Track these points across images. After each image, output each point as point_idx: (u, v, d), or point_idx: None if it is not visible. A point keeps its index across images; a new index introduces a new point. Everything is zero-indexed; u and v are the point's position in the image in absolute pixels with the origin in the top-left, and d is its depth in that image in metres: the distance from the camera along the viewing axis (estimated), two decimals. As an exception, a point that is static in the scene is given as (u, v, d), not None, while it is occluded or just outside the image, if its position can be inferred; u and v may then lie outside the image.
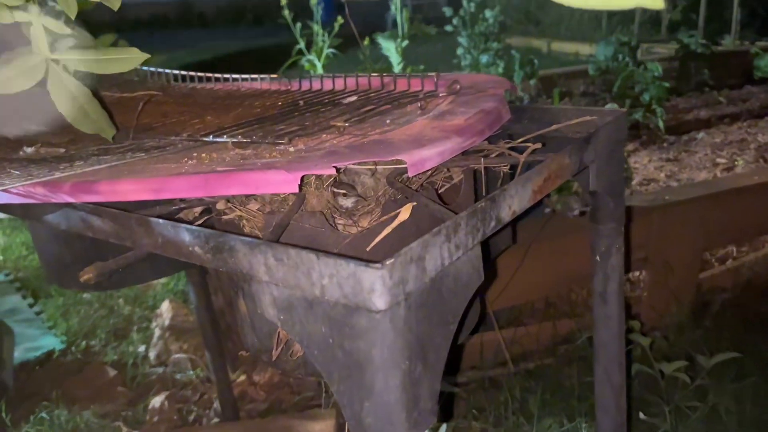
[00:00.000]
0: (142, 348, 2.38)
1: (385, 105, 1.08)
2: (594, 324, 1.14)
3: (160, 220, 0.72)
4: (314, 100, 1.19)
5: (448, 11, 4.35)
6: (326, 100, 1.17)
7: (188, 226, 0.70)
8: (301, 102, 1.19)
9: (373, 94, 1.18)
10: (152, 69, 1.58)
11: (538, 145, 0.87)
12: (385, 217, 0.82)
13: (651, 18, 7.34)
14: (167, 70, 1.54)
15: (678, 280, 2.15)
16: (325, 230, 0.80)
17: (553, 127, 1.02)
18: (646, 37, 6.62)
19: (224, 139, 0.96)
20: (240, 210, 0.83)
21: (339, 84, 1.28)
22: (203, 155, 0.91)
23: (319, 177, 0.87)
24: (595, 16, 7.36)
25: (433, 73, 1.15)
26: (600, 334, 1.12)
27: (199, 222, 0.92)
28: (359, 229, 0.85)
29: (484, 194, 0.95)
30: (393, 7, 3.52)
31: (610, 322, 1.09)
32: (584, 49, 6.82)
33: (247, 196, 0.87)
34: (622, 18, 7.24)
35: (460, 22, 4.25)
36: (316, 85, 1.30)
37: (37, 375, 2.29)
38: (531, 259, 1.90)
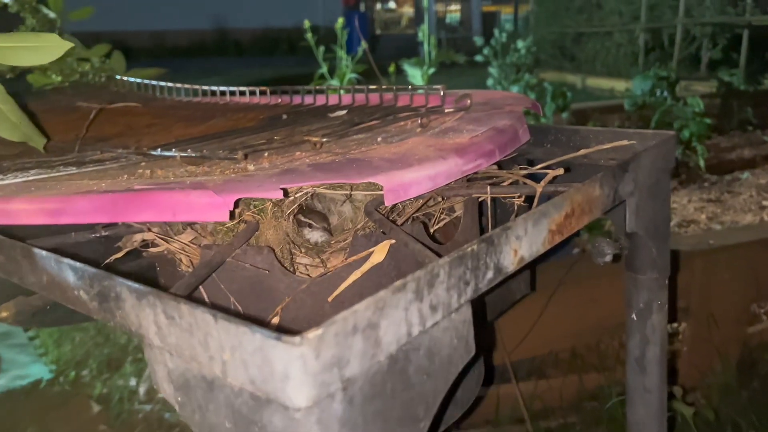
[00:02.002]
0: (133, 381, 2.19)
1: (377, 120, 0.88)
2: (627, 395, 0.90)
3: (44, 253, 0.53)
4: (300, 114, 1.00)
5: (479, 40, 4.17)
6: (313, 114, 0.98)
7: (73, 263, 0.50)
8: (285, 116, 1.00)
9: (368, 109, 0.98)
10: (140, 81, 1.42)
11: (560, 171, 0.66)
12: (354, 257, 0.61)
13: (690, 56, 7.07)
14: (157, 83, 1.38)
15: (723, 334, 1.88)
16: (274, 272, 0.60)
17: (582, 151, 0.80)
18: (685, 74, 6.35)
19: (172, 153, 0.77)
20: (167, 241, 0.64)
21: (344, 99, 1.09)
22: (146, 171, 0.72)
23: (278, 203, 0.67)
24: (632, 52, 7.12)
25: (439, 86, 0.95)
26: (636, 410, 0.88)
27: (138, 254, 0.72)
28: (325, 271, 0.64)
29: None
30: (420, 34, 3.35)
31: (649, 396, 0.86)
32: (620, 85, 6.56)
33: (185, 224, 0.68)
34: (660, 55, 6.99)
35: (491, 52, 4.07)
36: (321, 100, 1.11)
37: (20, 406, 2.12)
38: (556, 305, 1.67)
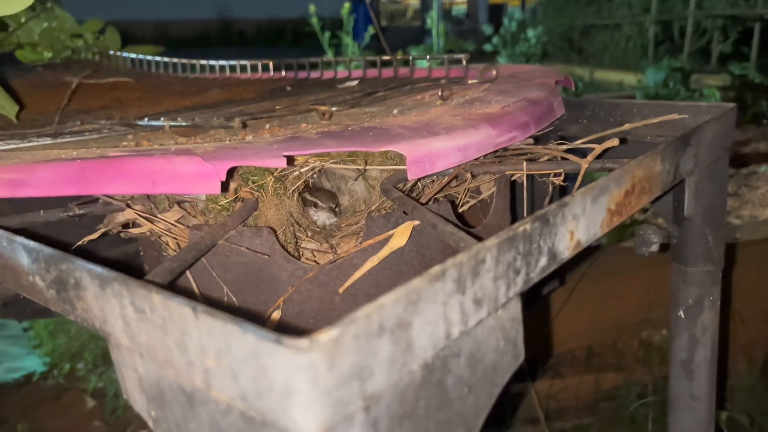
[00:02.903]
0: (129, 375, 2.10)
1: (393, 90, 0.78)
2: (670, 401, 0.80)
3: (-3, 231, 0.43)
4: (306, 86, 0.90)
5: (487, 29, 4.06)
6: (320, 86, 0.88)
7: (26, 242, 0.40)
8: (289, 88, 0.90)
9: (382, 81, 0.88)
10: (135, 56, 1.32)
11: (614, 142, 0.56)
12: (370, 241, 0.51)
13: (700, 49, 6.93)
14: (152, 58, 1.28)
15: (748, 333, 1.78)
16: (275, 258, 0.50)
17: (626, 126, 0.70)
18: (695, 67, 6.22)
19: (160, 122, 0.67)
20: (149, 221, 0.54)
21: (355, 74, 0.98)
22: (130, 143, 0.62)
23: (281, 179, 0.57)
24: (642, 45, 6.98)
25: (461, 54, 0.85)
26: (680, 418, 0.78)
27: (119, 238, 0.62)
28: (335, 257, 0.54)
29: (526, 216, 0.63)
30: (429, 20, 3.24)
31: (696, 404, 0.76)
32: (629, 78, 6.43)
33: (172, 201, 0.58)
34: (671, 48, 6.85)
35: (501, 42, 3.95)
36: (329, 76, 1.01)
37: (12, 400, 2.03)
38: (575, 301, 1.57)
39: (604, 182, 0.45)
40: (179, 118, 0.65)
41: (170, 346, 0.31)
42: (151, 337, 0.33)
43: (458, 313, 0.33)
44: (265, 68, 1.09)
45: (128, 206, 0.55)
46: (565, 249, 0.42)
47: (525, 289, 0.39)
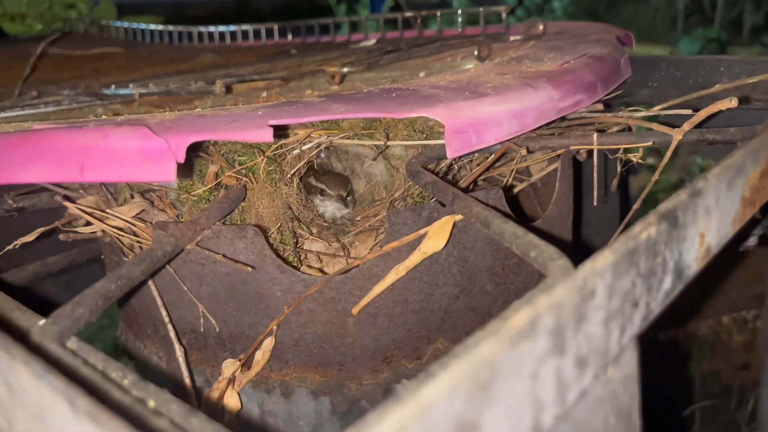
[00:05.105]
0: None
1: (419, 48, 0.63)
2: (761, 386, 0.66)
3: None
4: (314, 48, 0.75)
5: (511, 0, 3.85)
6: (330, 47, 0.73)
7: None
8: (294, 51, 0.75)
9: (404, 40, 0.73)
10: (129, 25, 1.18)
11: (732, 103, 0.41)
12: (394, 243, 0.37)
13: (732, 21, 6.62)
14: (146, 26, 1.14)
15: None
16: (265, 267, 0.36)
17: (718, 87, 0.55)
18: (727, 39, 5.93)
19: (128, 90, 0.53)
20: (95, 217, 0.40)
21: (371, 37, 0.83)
22: (89, 116, 0.49)
23: (276, 160, 0.43)
24: (671, 17, 6.69)
25: (500, 7, 0.69)
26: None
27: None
28: (347, 265, 0.40)
29: (598, 203, 0.49)
30: (450, -9, 3.05)
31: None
32: (657, 51, 6.17)
33: (135, 190, 0.44)
34: (701, 19, 6.55)
35: (525, 13, 3.75)
36: (338, 39, 0.86)
37: None
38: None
39: (739, 158, 0.31)
40: (150, 85, 0.51)
41: (51, 453, 0.18)
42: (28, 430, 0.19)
43: (553, 388, 0.19)
44: (270, 34, 0.94)
45: (67, 198, 0.41)
46: (693, 261, 0.28)
47: (644, 329, 0.24)
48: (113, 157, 0.30)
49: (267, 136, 0.31)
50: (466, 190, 0.44)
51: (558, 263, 0.25)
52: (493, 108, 0.38)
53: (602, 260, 0.21)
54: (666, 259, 0.25)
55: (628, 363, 0.24)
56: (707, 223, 0.28)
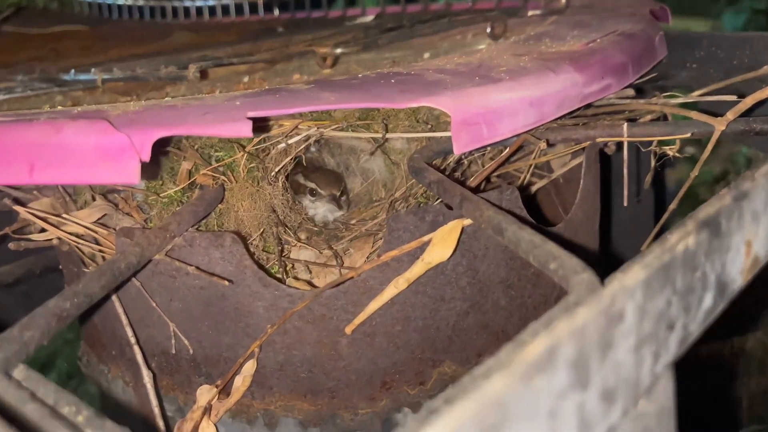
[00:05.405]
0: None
1: (423, 25, 0.63)
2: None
3: None
4: (303, 25, 0.75)
5: (530, -32, 3.85)
6: (322, 24, 0.73)
7: None
8: (281, 29, 0.75)
9: (407, 15, 0.73)
10: (94, 1, 1.18)
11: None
12: (394, 252, 0.37)
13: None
14: (113, 1, 1.14)
15: None
16: (245, 281, 0.36)
17: (766, 69, 0.54)
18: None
19: (89, 75, 0.52)
20: (50, 223, 0.40)
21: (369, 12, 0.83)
22: (44, 106, 0.48)
23: (258, 155, 0.43)
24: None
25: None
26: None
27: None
28: (340, 277, 0.40)
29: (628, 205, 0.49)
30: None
31: None
32: (697, 26, 6.17)
33: (96, 191, 0.43)
34: (746, -11, 6.53)
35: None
36: (332, 14, 0.86)
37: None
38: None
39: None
40: (115, 69, 0.51)
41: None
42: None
43: (575, 427, 0.19)
44: (253, 8, 0.94)
45: (17, 201, 0.41)
46: (738, 274, 0.27)
47: (681, 355, 0.24)
48: (67, 156, 0.30)
49: (245, 130, 0.31)
50: (477, 190, 0.43)
51: (581, 277, 0.25)
52: (507, 95, 0.38)
53: (632, 276, 0.20)
54: (707, 272, 0.24)
55: (662, 394, 0.23)
56: (754, 229, 0.27)
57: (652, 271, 0.21)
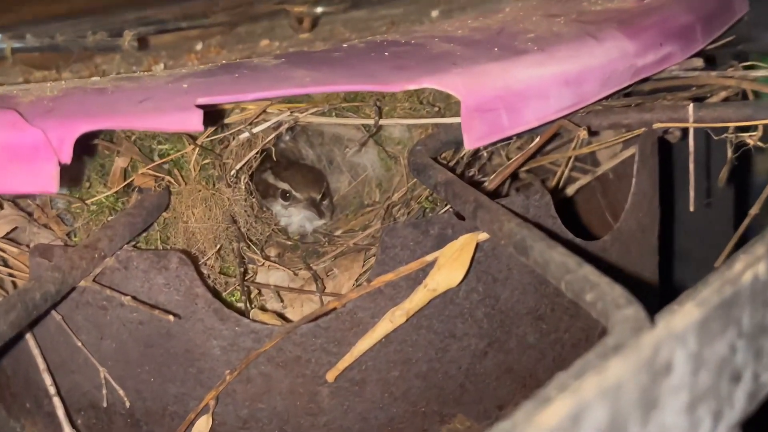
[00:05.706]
0: None
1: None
2: None
3: None
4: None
5: None
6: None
7: None
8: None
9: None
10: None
11: None
12: (388, 276, 0.38)
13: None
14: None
15: None
16: (196, 314, 0.38)
17: None
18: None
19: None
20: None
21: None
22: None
23: (212, 149, 0.46)
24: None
25: None
26: None
27: None
28: (321, 308, 0.41)
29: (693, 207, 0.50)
30: None
31: None
32: None
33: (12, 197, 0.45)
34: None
35: None
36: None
37: None
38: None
39: None
40: (29, 36, 0.52)
41: None
42: None
43: None
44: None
45: None
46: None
47: (752, 412, 0.25)
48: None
49: (193, 122, 0.32)
50: (496, 194, 0.45)
51: (625, 313, 0.26)
52: (535, 71, 0.40)
53: (682, 317, 0.21)
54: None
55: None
56: None
57: (709, 308, 0.22)
